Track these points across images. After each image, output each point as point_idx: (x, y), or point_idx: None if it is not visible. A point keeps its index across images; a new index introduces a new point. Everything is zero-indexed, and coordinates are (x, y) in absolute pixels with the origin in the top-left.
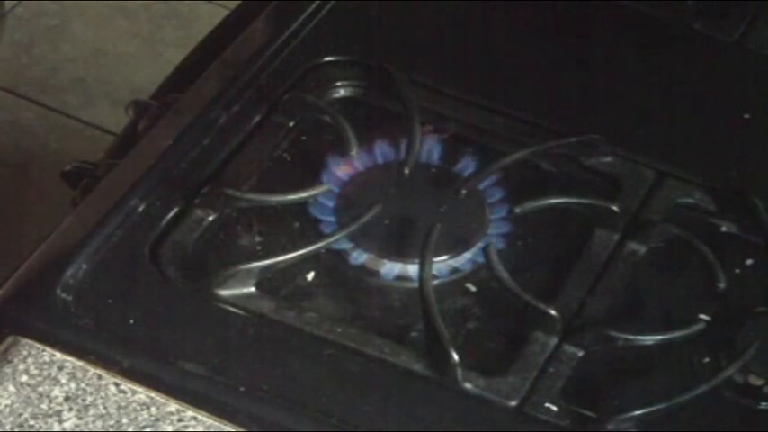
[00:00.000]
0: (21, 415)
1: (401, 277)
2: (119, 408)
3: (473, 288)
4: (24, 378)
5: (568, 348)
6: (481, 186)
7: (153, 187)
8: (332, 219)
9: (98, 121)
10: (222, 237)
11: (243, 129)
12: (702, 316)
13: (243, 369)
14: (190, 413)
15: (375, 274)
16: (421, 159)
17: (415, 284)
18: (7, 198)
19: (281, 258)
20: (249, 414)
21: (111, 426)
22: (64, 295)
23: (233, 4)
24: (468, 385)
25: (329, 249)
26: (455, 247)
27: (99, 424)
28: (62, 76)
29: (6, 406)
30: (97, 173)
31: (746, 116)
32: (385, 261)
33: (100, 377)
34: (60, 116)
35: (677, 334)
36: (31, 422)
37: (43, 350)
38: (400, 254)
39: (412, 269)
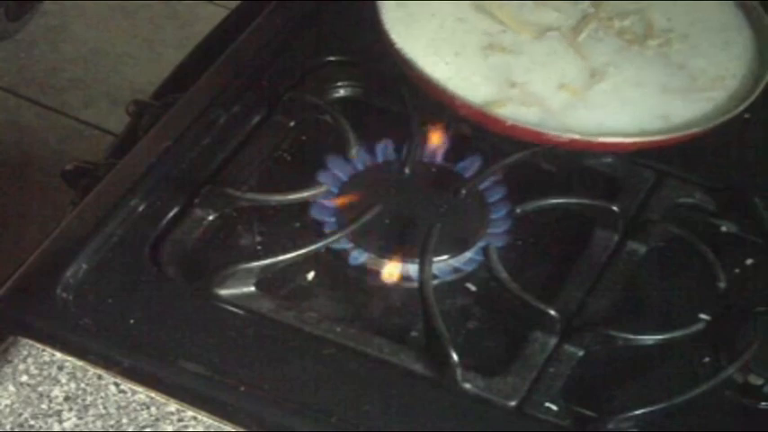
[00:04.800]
0: (21, 415)
1: (401, 277)
2: (119, 408)
3: (473, 288)
4: (24, 378)
5: (568, 348)
6: (481, 186)
7: (153, 187)
8: (332, 219)
9: (98, 121)
10: (222, 237)
11: (243, 129)
12: (702, 316)
13: (243, 369)
14: (190, 413)
15: (375, 273)
16: (421, 159)
17: (416, 284)
18: (7, 198)
19: (281, 258)
20: (249, 414)
21: (111, 426)
22: (64, 295)
23: (233, 4)
24: (468, 385)
25: (329, 249)
26: (455, 247)
27: (99, 424)
28: (62, 76)
29: (6, 406)
30: (97, 173)
31: (746, 116)
32: (385, 261)
33: (100, 377)
34: (60, 116)
35: (677, 334)
36: (31, 422)
37: (43, 350)
38: (400, 254)
39: (412, 269)
